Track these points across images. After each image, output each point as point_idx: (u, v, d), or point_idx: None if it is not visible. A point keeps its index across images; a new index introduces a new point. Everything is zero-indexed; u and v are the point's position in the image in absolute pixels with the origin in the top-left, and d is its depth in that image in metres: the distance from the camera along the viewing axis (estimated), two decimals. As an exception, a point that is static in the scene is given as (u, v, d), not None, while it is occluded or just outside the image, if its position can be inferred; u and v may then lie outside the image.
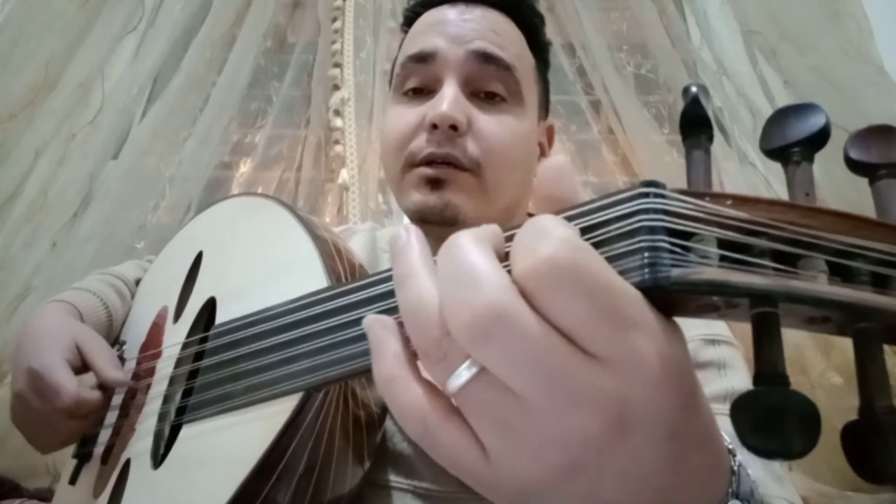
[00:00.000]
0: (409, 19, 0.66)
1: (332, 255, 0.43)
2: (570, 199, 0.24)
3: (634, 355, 0.20)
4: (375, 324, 0.24)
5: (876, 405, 0.21)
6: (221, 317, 0.46)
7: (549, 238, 0.20)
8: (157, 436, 0.47)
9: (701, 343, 0.56)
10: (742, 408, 0.20)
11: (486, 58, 0.58)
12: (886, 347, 0.22)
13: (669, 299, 0.21)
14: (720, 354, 0.56)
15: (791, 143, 0.24)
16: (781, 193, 1.01)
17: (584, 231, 0.22)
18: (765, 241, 0.21)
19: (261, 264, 0.47)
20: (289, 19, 1.43)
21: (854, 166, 0.25)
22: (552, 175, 0.25)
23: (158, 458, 0.45)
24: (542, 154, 0.68)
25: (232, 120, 1.31)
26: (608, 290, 0.20)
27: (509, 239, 0.23)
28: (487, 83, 0.59)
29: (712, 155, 0.25)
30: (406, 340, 0.23)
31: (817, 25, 1.17)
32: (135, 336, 0.59)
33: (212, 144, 1.25)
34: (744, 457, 0.27)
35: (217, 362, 0.43)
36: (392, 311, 0.29)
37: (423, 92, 0.60)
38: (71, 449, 0.57)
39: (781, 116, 0.25)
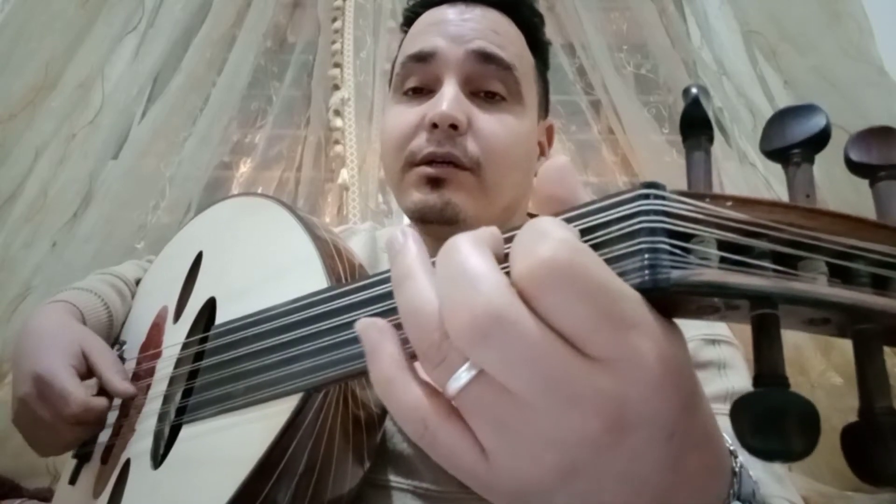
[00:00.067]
0: (409, 19, 0.66)
1: (332, 255, 0.43)
2: (571, 200, 0.24)
3: (633, 356, 0.20)
4: (370, 327, 0.24)
5: (876, 406, 0.21)
6: (221, 317, 0.46)
7: (548, 240, 0.20)
8: (157, 436, 0.47)
9: (701, 343, 0.56)
10: (742, 409, 0.20)
11: (485, 57, 0.58)
12: (886, 348, 0.22)
13: (669, 301, 0.21)
14: (720, 354, 0.56)
15: (791, 144, 0.24)
16: (782, 194, 1.01)
17: (584, 233, 0.22)
18: (765, 242, 0.21)
19: (261, 264, 0.47)
20: (289, 19, 1.43)
21: (854, 168, 0.25)
22: (554, 176, 0.25)
23: (158, 459, 0.45)
24: (542, 154, 0.68)
25: (232, 120, 1.31)
26: (607, 292, 0.20)
27: (508, 240, 0.23)
28: (487, 83, 0.59)
29: (712, 155, 0.25)
30: (403, 342, 0.23)
31: (817, 25, 1.17)
32: (135, 336, 0.59)
33: (212, 144, 1.25)
34: (744, 457, 0.26)
35: (217, 362, 0.43)
36: (392, 311, 0.29)
37: (423, 91, 0.60)
38: (71, 449, 0.57)
39: (782, 117, 0.25)
